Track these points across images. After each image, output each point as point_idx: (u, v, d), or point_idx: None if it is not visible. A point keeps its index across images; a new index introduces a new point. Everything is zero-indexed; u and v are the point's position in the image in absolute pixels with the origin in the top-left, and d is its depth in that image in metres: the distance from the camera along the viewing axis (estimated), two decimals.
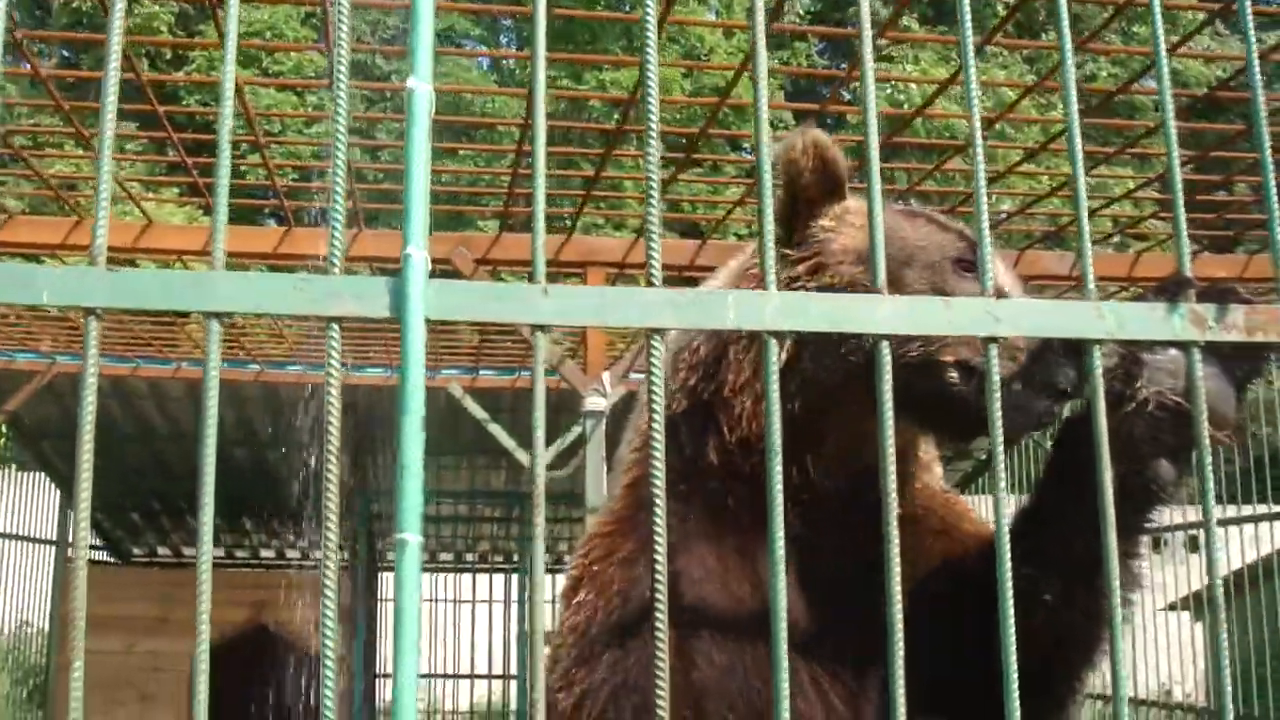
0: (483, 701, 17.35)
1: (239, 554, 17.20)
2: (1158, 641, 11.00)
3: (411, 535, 1.67)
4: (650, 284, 1.79)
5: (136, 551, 16.80)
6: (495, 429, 10.25)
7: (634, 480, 2.59)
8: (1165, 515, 2.32)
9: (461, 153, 21.40)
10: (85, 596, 1.69)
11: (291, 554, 17.64)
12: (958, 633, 2.21)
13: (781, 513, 1.76)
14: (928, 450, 2.72)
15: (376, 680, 15.16)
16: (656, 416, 1.77)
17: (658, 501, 1.73)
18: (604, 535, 2.56)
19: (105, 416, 11.89)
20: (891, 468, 1.79)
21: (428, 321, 1.72)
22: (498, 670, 16.26)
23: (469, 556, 17.12)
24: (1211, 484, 1.91)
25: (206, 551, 1.75)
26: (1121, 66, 17.28)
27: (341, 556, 14.50)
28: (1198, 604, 11.67)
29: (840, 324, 1.83)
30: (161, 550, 16.87)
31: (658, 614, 1.68)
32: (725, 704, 2.29)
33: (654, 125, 1.80)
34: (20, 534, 13.63)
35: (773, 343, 1.80)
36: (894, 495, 1.80)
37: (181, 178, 9.99)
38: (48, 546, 14.22)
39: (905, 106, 21.39)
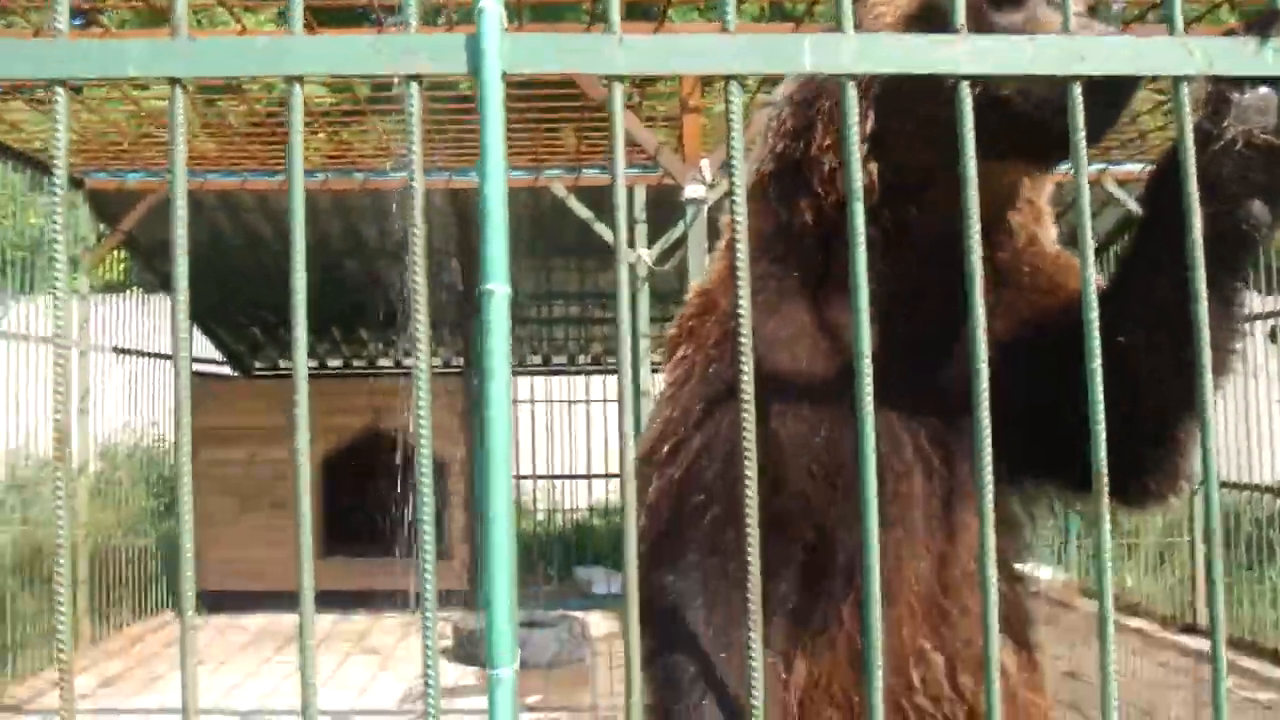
0: (601, 501, 17.74)
1: (356, 364, 17.57)
2: (1277, 433, 10.87)
3: (498, 285, 1.70)
4: (725, 31, 1.78)
5: (259, 365, 17.23)
6: (600, 228, 10.29)
7: (729, 241, 2.60)
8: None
9: None
10: (190, 398, 1.73)
11: (409, 361, 17.93)
12: (1061, 389, 2.20)
13: (864, 255, 1.76)
14: (1040, 201, 2.64)
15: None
16: (736, 171, 1.77)
17: (740, 259, 1.75)
18: (703, 293, 2.59)
19: (216, 231, 12.11)
20: (975, 222, 1.78)
21: (504, 76, 1.73)
22: (615, 469, 16.55)
23: (582, 358, 17.30)
24: None
25: (302, 333, 1.81)
26: None
27: (460, 361, 14.82)
28: None
29: (919, 65, 1.80)
30: (284, 363, 17.28)
31: (743, 374, 1.71)
32: (810, 457, 2.33)
33: None
34: (147, 350, 14.02)
35: (850, 85, 1.79)
36: (976, 241, 1.80)
37: None
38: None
39: None
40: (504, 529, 1.69)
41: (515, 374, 16.07)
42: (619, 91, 1.76)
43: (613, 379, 16.35)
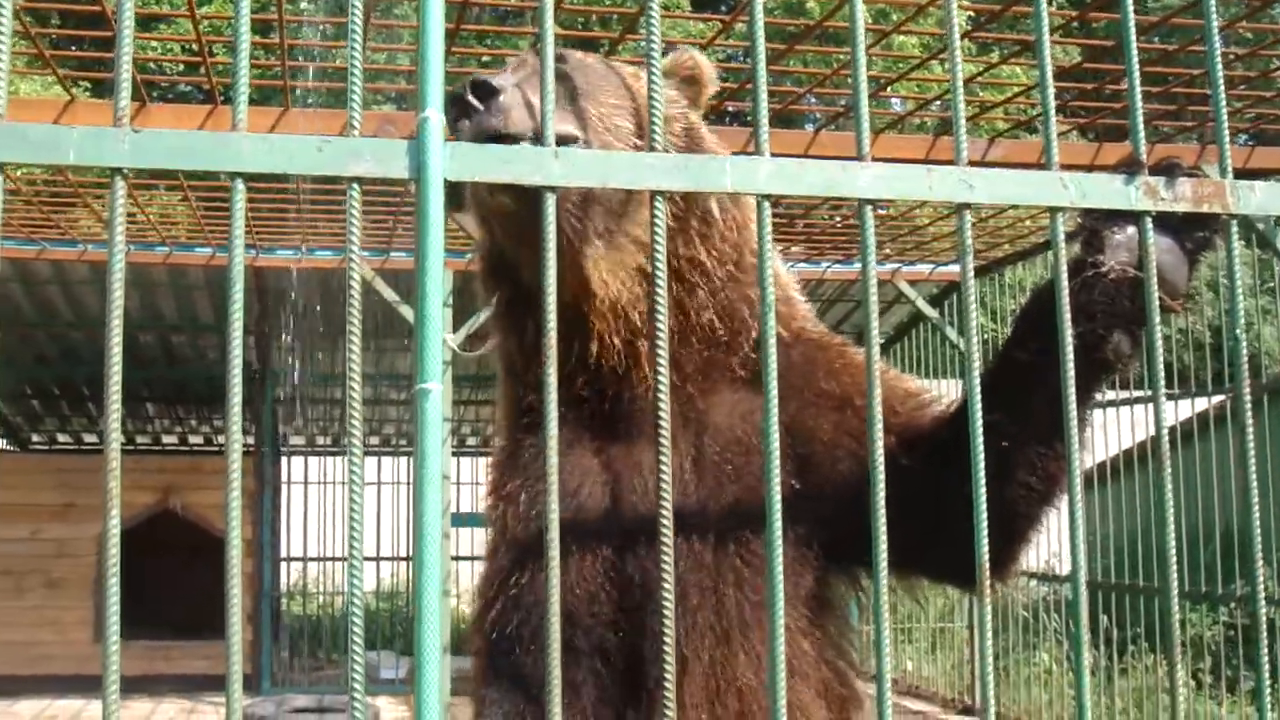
0: (387, 584, 17.53)
1: (141, 440, 17.09)
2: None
3: (434, 384, 1.77)
4: (652, 149, 1.90)
5: (36, 439, 16.65)
6: (406, 311, 10.28)
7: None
8: None
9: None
10: None
11: (196, 439, 17.57)
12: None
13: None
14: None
15: (282, 564, 15.19)
16: (660, 284, 1.88)
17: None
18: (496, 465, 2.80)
19: (7, 302, 11.71)
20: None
21: (446, 183, 1.82)
22: (395, 552, 16.22)
23: (372, 440, 17.10)
24: (1160, 347, 2.09)
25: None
26: None
27: (245, 440, 14.52)
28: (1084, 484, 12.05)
29: (830, 189, 1.96)
30: (62, 437, 16.73)
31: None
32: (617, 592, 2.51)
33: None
34: None
35: (765, 204, 1.93)
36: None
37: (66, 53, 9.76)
38: None
39: None
40: (434, 600, 1.74)
41: (304, 454, 15.91)
42: (552, 201, 1.86)
43: (403, 460, 16.14)
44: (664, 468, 1.84)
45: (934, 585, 2.70)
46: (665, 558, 1.80)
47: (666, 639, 1.80)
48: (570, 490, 2.54)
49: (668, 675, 1.81)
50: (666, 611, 1.80)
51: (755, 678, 2.45)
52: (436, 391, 1.78)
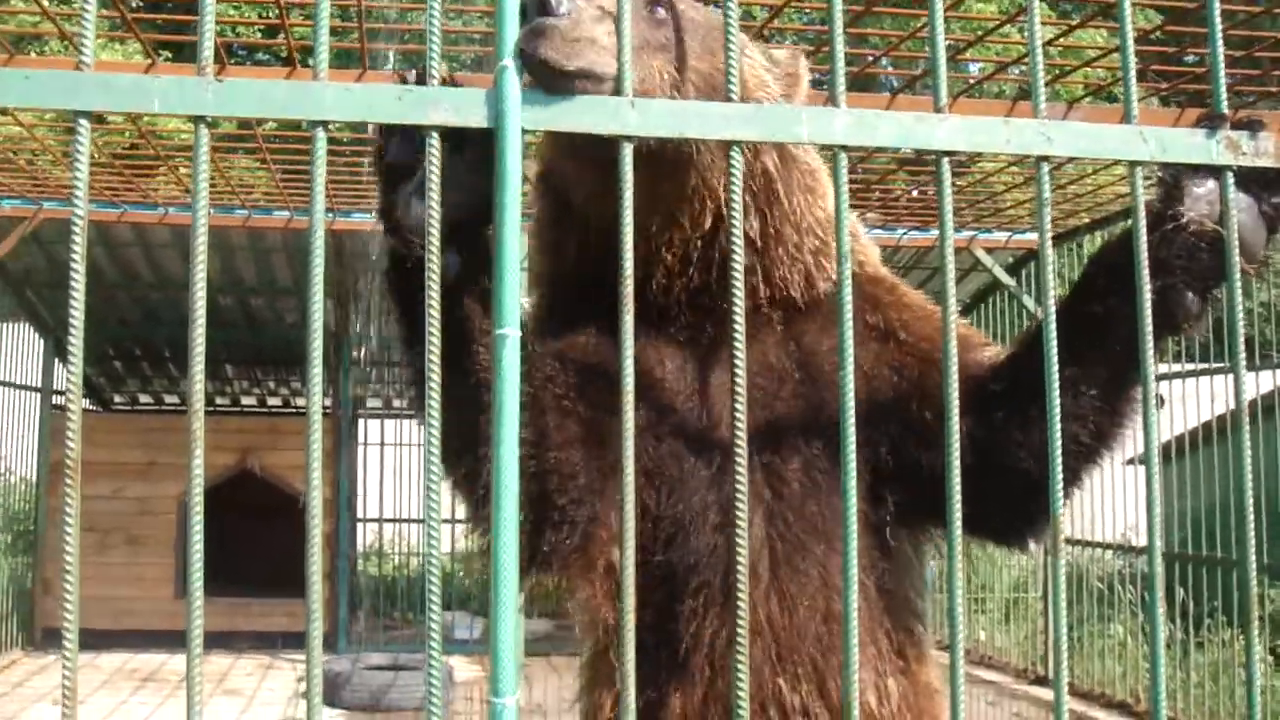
0: (462, 545, 17.65)
1: (220, 401, 17.33)
2: (1117, 493, 11.28)
3: (511, 329, 1.79)
4: (729, 99, 1.90)
5: (118, 399, 16.95)
6: None
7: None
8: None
9: None
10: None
11: (274, 401, 17.81)
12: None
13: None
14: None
15: (358, 525, 15.40)
16: (736, 229, 1.89)
17: (738, 326, 1.85)
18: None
19: (89, 264, 11.85)
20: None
21: (524, 132, 1.83)
22: None
23: None
24: (1240, 307, 2.06)
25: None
26: None
27: (328, 401, 14.70)
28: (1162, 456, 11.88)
29: (908, 140, 1.95)
30: (143, 398, 17.03)
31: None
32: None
33: None
34: (4, 380, 13.72)
35: (842, 156, 1.93)
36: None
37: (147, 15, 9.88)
38: (33, 394, 14.30)
39: None
40: (510, 565, 1.76)
41: (382, 418, 16.07)
42: (628, 151, 1.87)
43: None
44: (739, 387, 1.84)
45: (971, 539, 2.64)
46: (740, 486, 1.81)
47: (741, 558, 1.81)
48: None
49: (741, 589, 1.82)
50: (740, 533, 1.82)
51: (792, 601, 2.47)
52: (514, 337, 1.79)
